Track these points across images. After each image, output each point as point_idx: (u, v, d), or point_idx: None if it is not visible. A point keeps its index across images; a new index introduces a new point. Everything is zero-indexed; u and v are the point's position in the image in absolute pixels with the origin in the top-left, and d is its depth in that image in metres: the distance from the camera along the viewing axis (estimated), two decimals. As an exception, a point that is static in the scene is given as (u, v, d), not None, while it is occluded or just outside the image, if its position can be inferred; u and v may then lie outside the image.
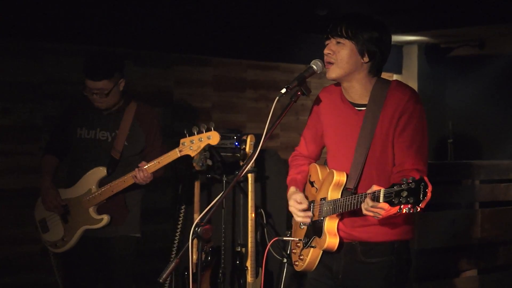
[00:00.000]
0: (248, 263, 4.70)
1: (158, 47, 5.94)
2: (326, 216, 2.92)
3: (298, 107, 6.66)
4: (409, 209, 2.48)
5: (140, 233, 4.21)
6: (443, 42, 7.61)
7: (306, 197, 3.08)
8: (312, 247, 3.00)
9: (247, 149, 4.65)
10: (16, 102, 5.22)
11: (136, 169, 3.91)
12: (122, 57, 4.18)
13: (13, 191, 5.18)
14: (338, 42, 2.90)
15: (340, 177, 2.91)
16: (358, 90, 2.95)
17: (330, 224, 2.92)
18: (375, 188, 2.62)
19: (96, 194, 4.03)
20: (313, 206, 3.04)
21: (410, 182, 2.47)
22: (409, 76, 7.69)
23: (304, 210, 3.01)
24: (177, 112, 6.06)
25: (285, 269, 4.70)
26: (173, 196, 5.48)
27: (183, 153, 3.78)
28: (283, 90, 2.86)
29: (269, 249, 3.63)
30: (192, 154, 3.77)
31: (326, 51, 2.94)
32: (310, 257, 3.02)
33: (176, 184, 5.13)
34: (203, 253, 2.82)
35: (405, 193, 2.47)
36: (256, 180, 4.79)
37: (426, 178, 2.45)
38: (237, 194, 5.06)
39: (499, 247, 5.55)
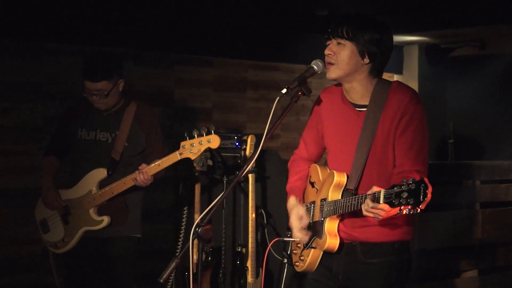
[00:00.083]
0: (249, 264, 4.70)
1: (159, 47, 5.94)
2: (326, 217, 2.92)
3: (299, 108, 6.66)
4: (409, 210, 2.48)
5: (141, 234, 4.21)
6: (443, 42, 7.61)
7: (304, 201, 3.10)
8: (313, 247, 3.00)
9: (247, 150, 4.64)
10: (16, 102, 5.22)
11: (136, 172, 3.91)
12: (120, 58, 4.18)
13: (13, 191, 5.18)
14: (339, 43, 2.90)
15: (340, 178, 2.91)
16: (359, 91, 2.95)
17: (331, 225, 2.92)
18: (375, 189, 2.62)
19: (96, 195, 4.02)
20: (313, 207, 3.04)
21: (410, 183, 2.47)
22: (410, 76, 7.69)
23: (305, 228, 3.02)
24: (177, 113, 6.06)
25: (285, 270, 4.69)
26: (174, 197, 5.48)
27: (183, 156, 3.78)
28: (284, 90, 2.86)
29: (269, 249, 3.61)
30: (192, 157, 3.76)
31: (326, 51, 2.93)
32: (310, 258, 3.02)
33: (176, 185, 5.13)
34: (203, 253, 2.82)
35: (405, 194, 2.47)
36: (256, 180, 4.79)
37: (426, 179, 2.45)
38: (237, 195, 5.06)
39: (499, 247, 5.55)
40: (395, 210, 2.53)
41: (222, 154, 4.82)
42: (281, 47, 6.69)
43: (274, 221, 5.07)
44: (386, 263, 2.93)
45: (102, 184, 4.03)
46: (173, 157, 3.81)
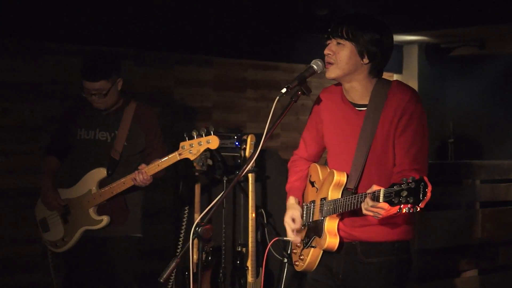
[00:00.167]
0: (249, 263, 4.70)
1: (159, 47, 5.94)
2: (326, 216, 2.92)
3: (299, 107, 6.66)
4: (409, 208, 2.48)
5: (141, 233, 4.21)
6: (443, 42, 7.61)
7: (304, 200, 3.10)
8: (313, 247, 3.00)
9: (247, 149, 4.65)
10: (16, 102, 5.22)
11: (136, 172, 3.91)
12: (118, 57, 4.18)
13: (13, 191, 5.18)
14: (339, 43, 2.90)
15: (340, 177, 2.91)
16: (359, 91, 2.95)
17: (331, 224, 2.92)
18: (375, 188, 2.62)
19: (96, 195, 4.02)
20: (313, 206, 3.04)
21: (410, 182, 2.47)
22: (410, 76, 7.69)
23: (297, 230, 3.06)
24: (177, 112, 6.06)
25: (285, 269, 4.70)
26: (174, 196, 5.48)
27: (183, 156, 3.78)
28: (284, 90, 2.86)
29: (269, 249, 3.62)
30: (192, 158, 3.77)
31: (326, 51, 2.94)
32: (310, 257, 3.02)
33: (176, 184, 5.13)
34: (203, 253, 2.82)
35: (405, 193, 2.48)
36: (256, 180, 4.79)
37: (426, 178, 2.46)
38: (237, 194, 5.06)
39: (499, 247, 5.55)
40: (395, 209, 2.53)
41: (222, 153, 4.82)
42: (281, 47, 6.69)
43: (274, 220, 5.07)
44: (386, 263, 2.93)
45: (102, 183, 4.03)
46: (173, 158, 3.81)
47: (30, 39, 5.26)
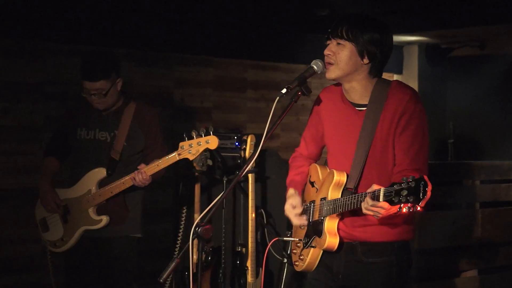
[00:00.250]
0: (249, 263, 4.70)
1: (159, 48, 5.95)
2: (326, 216, 2.92)
3: (299, 107, 6.66)
4: (409, 208, 2.48)
5: (141, 233, 4.21)
6: (443, 42, 7.61)
7: (304, 200, 3.11)
8: (312, 247, 3.00)
9: (247, 149, 4.65)
10: (16, 102, 5.22)
11: (135, 172, 3.91)
12: (118, 57, 4.18)
13: (13, 191, 5.18)
14: (339, 43, 2.90)
15: (340, 177, 2.91)
16: (359, 91, 2.95)
17: (330, 224, 2.92)
18: (375, 187, 2.62)
19: (95, 195, 4.02)
20: (313, 206, 3.04)
21: (410, 181, 2.47)
22: (410, 76, 7.69)
23: (299, 215, 3.05)
24: (177, 113, 6.06)
25: (285, 269, 4.70)
26: (174, 196, 5.48)
27: (182, 156, 3.78)
28: (284, 90, 2.86)
29: (269, 249, 3.62)
30: (191, 158, 3.77)
31: (326, 51, 2.94)
32: (310, 257, 3.02)
33: (176, 184, 5.13)
34: (203, 253, 2.82)
35: (405, 192, 2.47)
36: (256, 180, 4.79)
37: (426, 177, 2.45)
38: (237, 194, 5.06)
39: (499, 247, 5.55)
40: (395, 208, 2.53)
41: (222, 154, 4.82)
42: (281, 47, 6.69)
43: (274, 221, 5.07)
44: (386, 263, 2.93)
45: (102, 183, 4.04)
46: (172, 158, 3.81)
47: (30, 39, 5.27)
